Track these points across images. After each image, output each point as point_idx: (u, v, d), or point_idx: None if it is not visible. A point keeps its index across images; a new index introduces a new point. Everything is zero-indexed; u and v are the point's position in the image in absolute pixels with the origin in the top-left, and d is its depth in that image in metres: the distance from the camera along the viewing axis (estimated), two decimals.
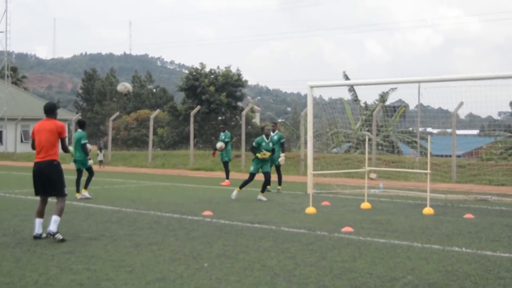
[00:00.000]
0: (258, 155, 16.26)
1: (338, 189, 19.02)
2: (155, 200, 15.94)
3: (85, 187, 16.44)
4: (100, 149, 37.82)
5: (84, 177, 16.43)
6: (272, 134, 18.79)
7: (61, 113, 59.33)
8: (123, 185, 21.39)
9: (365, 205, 14.40)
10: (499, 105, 21.84)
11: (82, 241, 9.40)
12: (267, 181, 16.27)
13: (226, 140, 21.74)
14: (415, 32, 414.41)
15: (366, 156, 16.07)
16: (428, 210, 13.36)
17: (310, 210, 13.27)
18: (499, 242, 9.62)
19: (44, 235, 9.44)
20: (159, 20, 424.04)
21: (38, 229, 9.50)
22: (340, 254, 8.37)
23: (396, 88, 35.34)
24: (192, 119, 33.66)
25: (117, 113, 43.18)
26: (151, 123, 35.90)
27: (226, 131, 22.04)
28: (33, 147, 9.74)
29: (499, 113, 31.55)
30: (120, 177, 26.03)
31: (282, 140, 18.92)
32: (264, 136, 16.64)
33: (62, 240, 9.24)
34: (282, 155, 18.67)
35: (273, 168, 18.82)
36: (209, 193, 18.32)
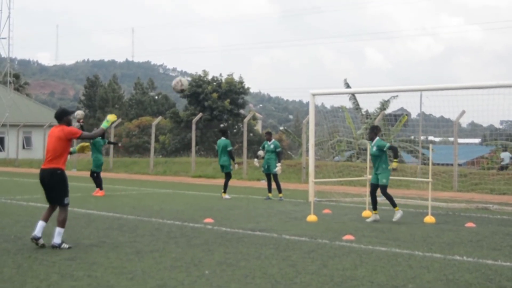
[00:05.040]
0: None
1: (339, 197, 19.00)
2: (157, 207, 15.94)
3: (224, 191, 18.81)
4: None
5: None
6: (268, 143, 18.95)
7: None
8: (124, 192, 21.39)
9: (367, 213, 14.40)
10: (501, 114, 21.71)
11: (83, 247, 9.40)
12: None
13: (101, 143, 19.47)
14: (416, 40, 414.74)
15: (368, 164, 16.06)
16: (429, 219, 13.35)
17: (312, 218, 13.26)
18: (501, 251, 9.61)
19: (42, 241, 9.24)
20: (162, 27, 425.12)
21: (38, 231, 9.24)
22: (341, 262, 8.37)
23: (397, 96, 35.32)
24: (194, 126, 33.68)
25: (119, 120, 43.22)
26: (153, 130, 35.93)
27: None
28: None
29: (501, 122, 31.49)
30: (122, 184, 26.03)
31: (278, 150, 18.97)
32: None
33: (69, 248, 9.24)
34: (278, 164, 18.72)
35: (271, 176, 18.91)
36: (210, 200, 18.32)
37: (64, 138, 9.36)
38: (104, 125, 10.11)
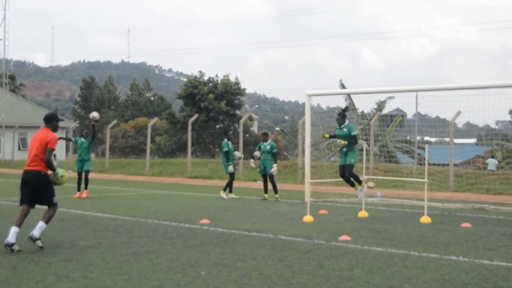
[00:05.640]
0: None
1: (335, 198, 19.01)
2: (153, 208, 15.93)
3: (224, 189, 19.25)
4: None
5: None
6: (264, 144, 19.00)
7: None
8: (120, 193, 21.37)
9: (363, 213, 14.40)
10: (496, 114, 21.81)
11: (79, 248, 9.39)
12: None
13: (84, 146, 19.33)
14: (411, 41, 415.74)
15: (364, 164, 16.07)
16: (425, 219, 13.36)
17: (308, 218, 13.27)
18: (496, 251, 9.62)
19: (17, 247, 9.00)
20: (157, 28, 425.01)
21: (11, 238, 9.04)
22: (338, 263, 8.37)
23: (393, 97, 35.34)
24: (190, 127, 33.67)
25: (115, 121, 43.20)
26: (149, 131, 35.92)
27: (88, 137, 19.38)
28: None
29: (497, 122, 31.61)
30: (118, 185, 26.00)
31: (275, 150, 19.03)
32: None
33: (41, 248, 9.13)
34: (274, 165, 18.76)
35: (267, 177, 18.95)
36: (206, 201, 18.32)
37: (44, 145, 9.34)
38: (58, 173, 9.54)
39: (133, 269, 7.86)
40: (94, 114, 18.31)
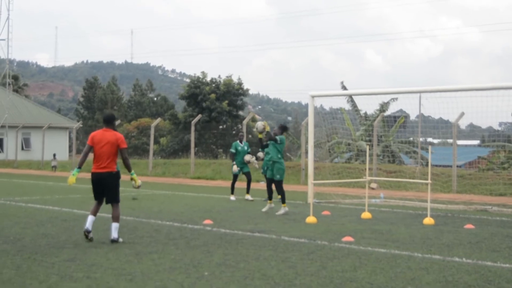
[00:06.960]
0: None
1: (338, 199, 19.00)
2: (156, 208, 15.94)
3: (247, 192, 19.01)
4: (54, 155, 41.07)
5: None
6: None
7: (62, 121, 59.40)
8: (123, 194, 21.19)
9: (366, 214, 14.39)
10: (499, 116, 21.76)
11: (82, 248, 9.40)
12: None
13: None
14: (414, 42, 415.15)
15: (367, 166, 16.07)
16: (428, 220, 13.35)
17: (311, 219, 13.26)
18: (500, 252, 9.61)
19: (91, 235, 9.96)
20: (161, 29, 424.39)
21: (89, 225, 9.96)
22: (341, 264, 8.36)
23: (397, 99, 35.38)
24: (192, 128, 33.67)
25: (118, 121, 43.20)
26: (152, 131, 35.94)
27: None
28: (85, 153, 10.24)
29: (500, 124, 31.48)
30: (120, 185, 25.96)
31: None
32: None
33: (121, 241, 9.99)
34: None
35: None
36: (209, 202, 18.32)
37: (116, 146, 10.14)
38: (132, 173, 10.55)
39: (136, 269, 7.87)
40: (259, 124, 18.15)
